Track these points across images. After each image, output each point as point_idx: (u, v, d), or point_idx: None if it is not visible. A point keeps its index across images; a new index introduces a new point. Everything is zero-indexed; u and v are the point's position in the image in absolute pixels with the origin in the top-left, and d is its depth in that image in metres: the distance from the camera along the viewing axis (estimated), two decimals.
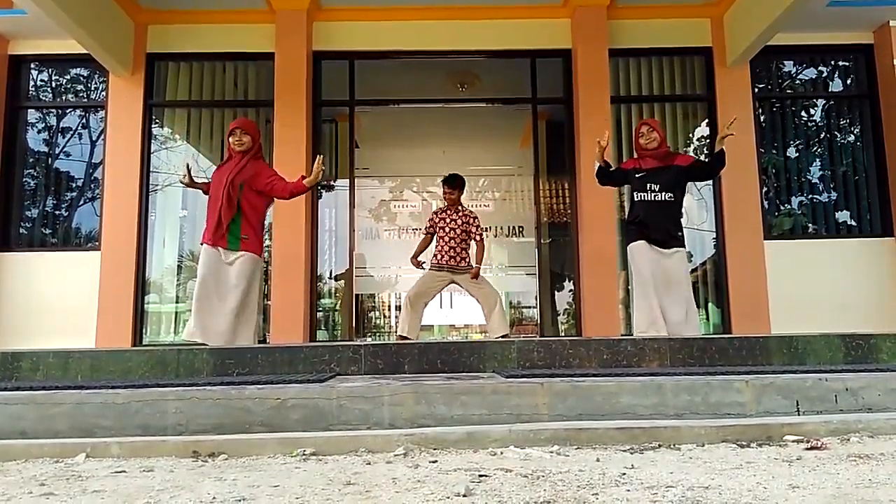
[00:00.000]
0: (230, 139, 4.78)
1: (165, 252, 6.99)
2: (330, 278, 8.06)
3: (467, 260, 5.70)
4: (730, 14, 6.84)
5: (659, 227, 4.88)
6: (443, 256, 5.69)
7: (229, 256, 4.65)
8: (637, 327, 4.94)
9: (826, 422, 2.37)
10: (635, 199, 5.03)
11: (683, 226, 5.08)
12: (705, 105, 7.08)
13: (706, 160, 4.89)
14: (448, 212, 5.80)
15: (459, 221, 5.73)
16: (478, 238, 5.74)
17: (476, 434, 2.28)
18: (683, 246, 4.99)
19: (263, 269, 5.11)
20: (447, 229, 5.72)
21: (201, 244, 4.73)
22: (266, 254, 6.77)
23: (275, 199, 5.07)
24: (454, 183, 5.83)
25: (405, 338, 5.48)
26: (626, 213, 5.36)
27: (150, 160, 6.88)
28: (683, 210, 5.11)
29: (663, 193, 4.90)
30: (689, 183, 5.19)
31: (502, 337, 5.35)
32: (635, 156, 5.26)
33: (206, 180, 5.09)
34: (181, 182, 5.04)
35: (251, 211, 4.73)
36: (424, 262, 5.85)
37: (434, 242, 5.82)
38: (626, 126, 7.05)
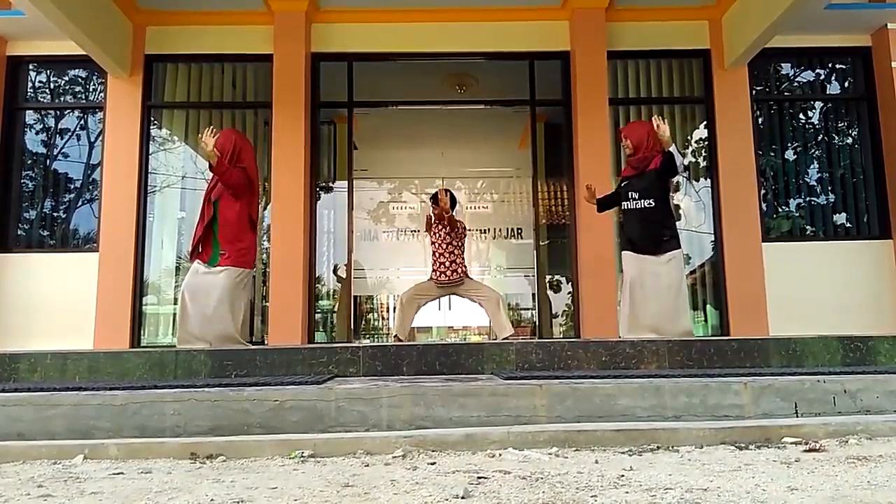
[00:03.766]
0: None
1: (164, 253, 6.98)
2: (328, 280, 8.05)
3: (459, 271, 5.71)
4: (728, 16, 6.85)
5: (645, 235, 4.88)
6: (436, 272, 5.75)
7: (212, 271, 4.64)
8: (620, 333, 5.01)
9: (824, 424, 2.37)
10: (622, 208, 5.11)
11: (677, 227, 5.06)
12: (703, 107, 7.08)
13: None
14: (437, 226, 5.87)
15: (442, 234, 5.78)
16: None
17: (475, 436, 2.28)
18: (676, 248, 4.90)
19: (251, 277, 5.04)
20: (437, 244, 5.81)
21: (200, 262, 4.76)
22: (264, 255, 6.79)
23: (255, 199, 5.04)
24: (434, 198, 5.87)
25: (400, 339, 5.52)
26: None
27: (148, 162, 6.87)
28: (679, 211, 5.11)
29: (643, 201, 4.89)
30: (678, 182, 5.17)
31: (508, 337, 5.35)
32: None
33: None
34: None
35: (226, 224, 4.68)
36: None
37: (432, 255, 5.89)
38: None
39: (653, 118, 4.86)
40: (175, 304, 6.87)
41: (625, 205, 5.03)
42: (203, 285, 4.63)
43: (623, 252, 5.07)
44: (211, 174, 4.81)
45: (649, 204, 4.87)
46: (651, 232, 4.86)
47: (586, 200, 5.33)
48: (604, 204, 5.36)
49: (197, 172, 7.08)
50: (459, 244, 5.80)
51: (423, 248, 6.19)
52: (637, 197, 4.91)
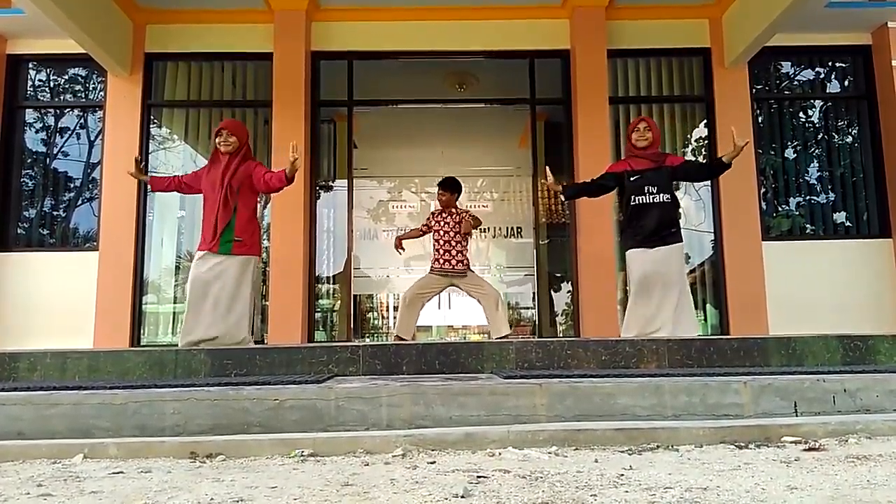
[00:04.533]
0: (216, 139, 4.75)
1: (163, 252, 6.98)
2: (328, 279, 8.05)
3: (464, 262, 5.68)
4: (728, 15, 6.85)
5: (657, 229, 4.78)
6: (438, 260, 5.67)
7: (222, 261, 4.60)
8: (625, 331, 4.87)
9: (824, 423, 2.37)
10: (632, 202, 4.87)
11: (679, 222, 5.02)
12: (703, 106, 7.08)
13: (702, 162, 4.84)
14: (442, 214, 5.79)
15: (452, 223, 5.72)
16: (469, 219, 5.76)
17: (474, 435, 2.28)
18: (681, 241, 4.89)
19: (260, 269, 5.08)
20: (441, 232, 5.70)
21: (198, 250, 4.67)
22: (264, 254, 6.79)
23: (268, 193, 5.08)
24: (446, 185, 5.82)
25: (402, 338, 5.49)
26: (622, 217, 5.15)
27: (148, 160, 6.87)
28: (679, 210, 5.08)
29: (661, 195, 4.79)
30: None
31: (503, 337, 5.33)
32: (623, 156, 5.17)
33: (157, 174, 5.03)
34: (130, 174, 4.91)
35: (246, 212, 4.72)
36: (403, 251, 5.99)
37: (434, 244, 5.79)
38: (625, 127, 7.05)
39: (732, 129, 4.85)
40: (175, 302, 6.88)
41: (637, 199, 4.84)
42: (218, 279, 4.59)
43: (630, 251, 4.90)
44: (226, 168, 4.72)
45: (667, 199, 4.82)
46: (664, 226, 4.79)
47: (549, 186, 5.02)
48: (575, 191, 5.16)
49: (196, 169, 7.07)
50: (462, 236, 5.76)
51: (424, 246, 6.17)
52: (655, 191, 4.80)
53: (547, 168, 5.00)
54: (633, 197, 4.88)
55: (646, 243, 4.80)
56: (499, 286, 7.47)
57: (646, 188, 4.82)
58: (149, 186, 5.16)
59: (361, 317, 9.21)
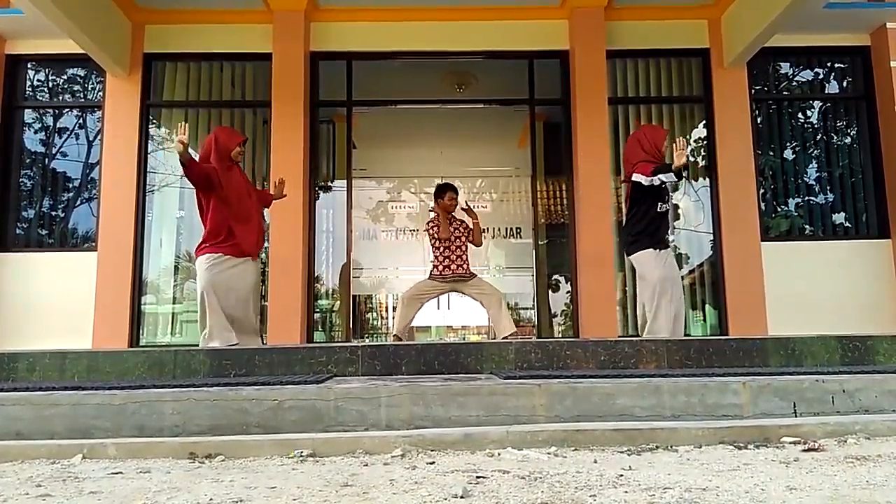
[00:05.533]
0: (237, 149, 4.84)
1: (162, 253, 6.98)
2: (327, 280, 8.04)
3: (467, 266, 5.67)
4: (727, 15, 6.85)
5: (666, 234, 5.00)
6: (448, 266, 5.59)
7: (244, 262, 4.80)
8: (664, 329, 4.75)
9: (823, 423, 2.38)
10: (658, 208, 4.88)
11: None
12: (702, 106, 7.08)
13: None
14: (447, 219, 5.74)
15: (461, 230, 5.71)
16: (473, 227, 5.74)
17: (473, 435, 2.28)
18: None
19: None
20: (452, 237, 5.66)
21: (246, 256, 4.76)
22: (263, 255, 6.80)
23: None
24: (455, 189, 5.80)
25: (401, 338, 5.48)
26: (641, 222, 4.94)
27: (147, 161, 6.86)
28: (678, 211, 5.27)
29: (670, 203, 5.04)
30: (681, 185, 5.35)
31: (510, 335, 5.30)
32: (626, 159, 5.13)
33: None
34: (182, 142, 4.38)
35: (262, 219, 5.17)
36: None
37: (435, 251, 5.72)
38: (624, 127, 7.07)
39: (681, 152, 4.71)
40: (174, 303, 6.88)
41: (663, 206, 4.92)
42: (246, 281, 4.80)
43: (646, 251, 4.87)
44: (245, 179, 5.06)
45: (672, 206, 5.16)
46: (667, 232, 5.08)
47: (678, 163, 4.60)
48: (657, 172, 4.76)
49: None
50: (466, 241, 5.75)
51: (423, 247, 6.15)
52: (668, 199, 4.99)
53: (683, 139, 4.69)
54: (659, 203, 4.92)
55: (660, 245, 4.93)
56: (498, 287, 7.47)
57: (667, 196, 5.00)
58: (183, 165, 4.54)
59: (361, 317, 9.21)
